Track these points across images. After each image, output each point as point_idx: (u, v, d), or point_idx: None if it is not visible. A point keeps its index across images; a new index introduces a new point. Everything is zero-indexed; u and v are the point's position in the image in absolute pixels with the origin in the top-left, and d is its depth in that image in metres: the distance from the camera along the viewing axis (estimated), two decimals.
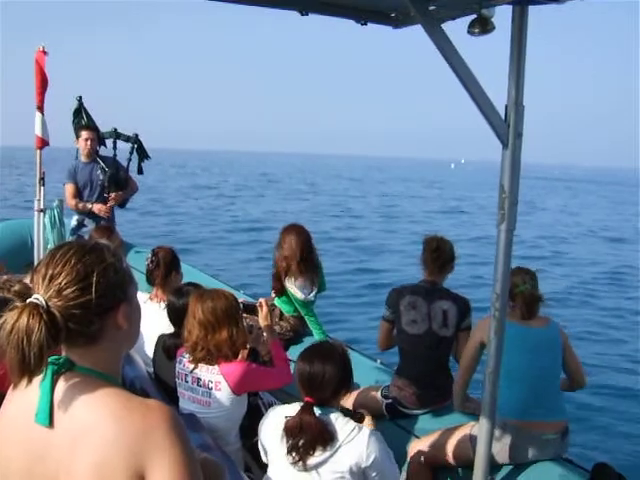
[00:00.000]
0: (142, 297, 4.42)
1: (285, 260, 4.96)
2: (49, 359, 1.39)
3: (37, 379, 1.41)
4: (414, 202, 38.88)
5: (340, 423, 2.72)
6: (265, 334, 3.89)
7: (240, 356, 3.30)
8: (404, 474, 3.63)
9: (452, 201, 40.77)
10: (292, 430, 2.69)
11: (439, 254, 4.15)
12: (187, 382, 3.30)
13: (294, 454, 2.67)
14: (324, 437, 2.65)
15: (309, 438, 2.65)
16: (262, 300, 3.73)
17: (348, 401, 4.12)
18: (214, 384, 3.20)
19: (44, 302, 1.38)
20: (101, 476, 1.34)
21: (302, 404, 2.75)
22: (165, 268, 4.40)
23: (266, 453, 2.87)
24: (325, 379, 2.72)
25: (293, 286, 4.91)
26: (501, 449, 3.27)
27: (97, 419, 1.37)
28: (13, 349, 1.32)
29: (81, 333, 1.42)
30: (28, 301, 1.38)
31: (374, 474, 2.69)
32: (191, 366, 3.27)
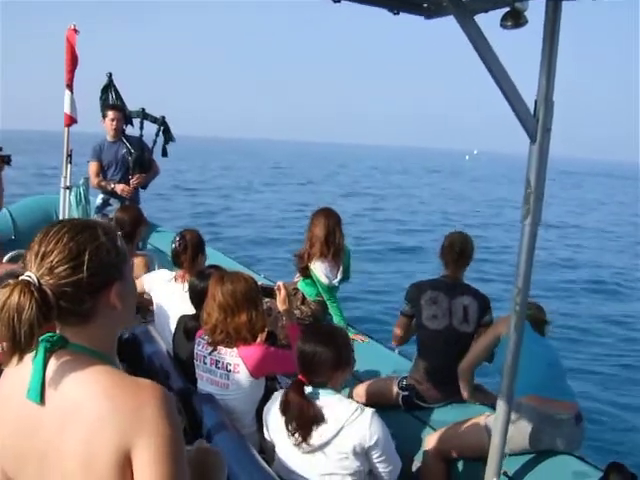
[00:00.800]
0: (167, 275, 4.47)
1: (310, 241, 5.02)
2: (43, 336, 1.38)
3: (30, 356, 1.40)
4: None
5: (343, 404, 2.78)
6: (284, 318, 3.93)
7: (259, 339, 3.33)
8: (418, 464, 3.65)
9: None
10: (282, 407, 2.81)
11: (464, 257, 4.17)
12: (205, 364, 3.33)
13: (297, 435, 2.75)
14: (309, 415, 2.73)
15: (296, 416, 2.74)
16: (280, 283, 3.78)
17: (363, 390, 4.15)
18: (232, 366, 3.23)
19: (36, 280, 1.38)
20: (89, 454, 1.34)
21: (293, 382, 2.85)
22: (192, 250, 4.43)
23: (268, 431, 2.97)
24: (316, 359, 2.79)
25: (318, 269, 4.94)
26: (516, 432, 3.27)
27: (88, 396, 1.38)
28: (4, 326, 1.33)
29: (73, 311, 1.43)
30: (20, 278, 1.38)
31: (377, 454, 2.75)
32: (210, 348, 3.30)
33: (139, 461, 1.34)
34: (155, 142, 7.40)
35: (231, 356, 3.24)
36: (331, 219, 5.04)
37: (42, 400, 1.39)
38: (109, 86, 7.38)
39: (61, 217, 6.87)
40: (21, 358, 1.38)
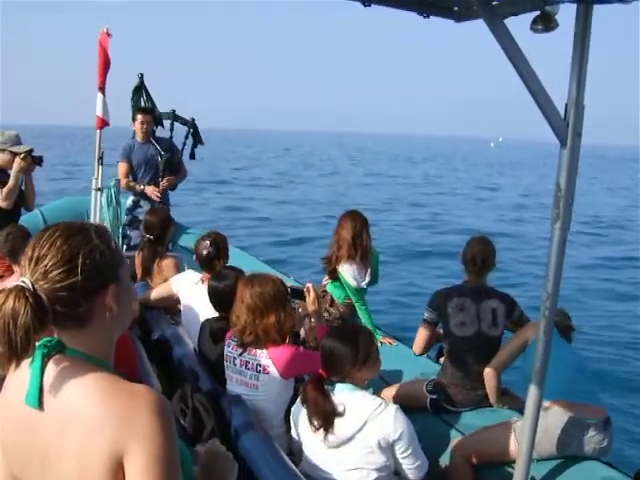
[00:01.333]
0: (194, 277, 4.50)
1: (337, 244, 5.03)
2: (40, 341, 1.39)
3: (27, 362, 1.40)
4: None
5: (366, 400, 2.83)
6: (313, 319, 3.95)
7: (287, 340, 3.36)
8: (444, 466, 3.64)
9: None
10: (301, 400, 2.91)
11: (487, 267, 4.17)
12: (235, 365, 3.36)
13: (321, 430, 2.81)
14: (325, 409, 2.79)
15: (313, 409, 2.82)
16: (309, 285, 3.79)
17: (391, 392, 4.16)
18: (262, 367, 3.25)
19: (30, 285, 1.38)
20: (84, 457, 1.35)
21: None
22: (224, 254, 4.46)
23: (297, 430, 3.04)
24: (335, 355, 2.87)
25: (346, 272, 4.95)
26: (544, 436, 3.25)
27: (84, 402, 1.38)
28: (0, 333, 1.33)
29: (69, 315, 1.43)
30: (14, 284, 1.38)
31: (402, 449, 2.79)
32: (240, 350, 3.33)
33: (131, 466, 1.34)
34: (185, 144, 7.46)
35: (261, 357, 3.27)
36: (358, 221, 5.04)
37: (40, 405, 1.40)
38: (140, 87, 7.47)
39: (92, 219, 6.96)
40: (18, 364, 1.37)
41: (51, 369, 1.42)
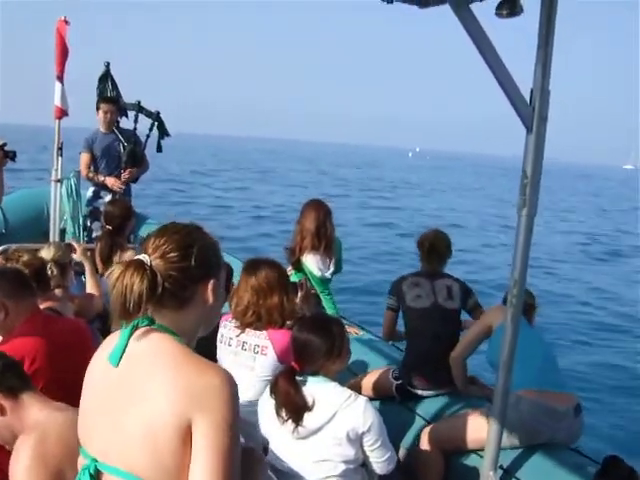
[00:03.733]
0: None
1: (301, 234, 5.00)
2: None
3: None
4: None
5: (336, 391, 2.80)
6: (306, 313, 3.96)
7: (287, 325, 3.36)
8: (413, 457, 3.63)
9: None
10: (271, 392, 2.85)
11: (435, 252, 4.23)
12: (230, 346, 3.35)
13: (290, 421, 2.77)
14: (295, 402, 2.75)
15: (283, 401, 2.77)
16: (303, 280, 3.78)
17: (359, 383, 4.13)
18: (260, 348, 3.26)
19: (149, 261, 1.61)
20: (153, 422, 1.51)
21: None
22: None
23: (261, 420, 2.99)
24: (309, 347, 2.83)
25: (310, 262, 4.93)
26: (516, 425, 3.25)
27: (161, 368, 1.57)
28: (118, 294, 1.56)
29: (174, 295, 1.64)
30: (136, 258, 1.62)
31: (371, 441, 2.76)
32: (237, 330, 3.33)
33: (198, 434, 1.50)
34: (148, 136, 7.34)
35: (260, 338, 3.28)
36: (321, 211, 5.02)
37: (119, 364, 1.61)
38: (107, 76, 7.33)
39: (52, 210, 6.82)
40: (127, 323, 1.61)
41: (138, 336, 1.63)
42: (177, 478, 1.51)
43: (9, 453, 2.23)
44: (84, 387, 1.72)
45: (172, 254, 1.63)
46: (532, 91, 2.58)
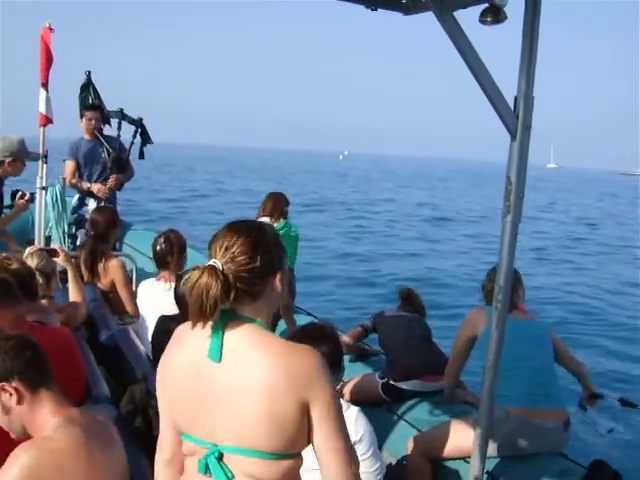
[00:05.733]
0: (149, 281, 4.45)
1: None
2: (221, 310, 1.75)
3: (208, 326, 1.77)
4: None
5: None
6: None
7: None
8: (402, 464, 3.62)
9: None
10: None
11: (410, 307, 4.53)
12: None
13: None
14: None
15: None
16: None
17: (347, 388, 4.13)
18: None
19: (220, 266, 1.75)
20: (274, 396, 1.70)
21: None
22: (178, 251, 4.44)
23: None
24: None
25: None
26: (503, 439, 3.26)
27: (260, 356, 1.74)
28: (194, 300, 1.71)
29: (247, 292, 1.79)
30: (208, 264, 1.75)
31: (363, 450, 2.75)
32: None
33: (316, 411, 1.74)
34: (132, 143, 7.32)
35: None
36: (278, 202, 5.45)
37: (220, 359, 1.76)
38: (88, 85, 7.33)
39: (37, 217, 6.74)
40: (204, 325, 1.75)
41: (230, 330, 1.79)
42: (295, 445, 1.76)
43: (12, 442, 2.25)
44: (171, 383, 1.87)
45: (241, 257, 1.77)
46: (516, 99, 2.59)
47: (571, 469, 3.23)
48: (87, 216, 6.75)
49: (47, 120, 6.68)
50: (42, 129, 6.67)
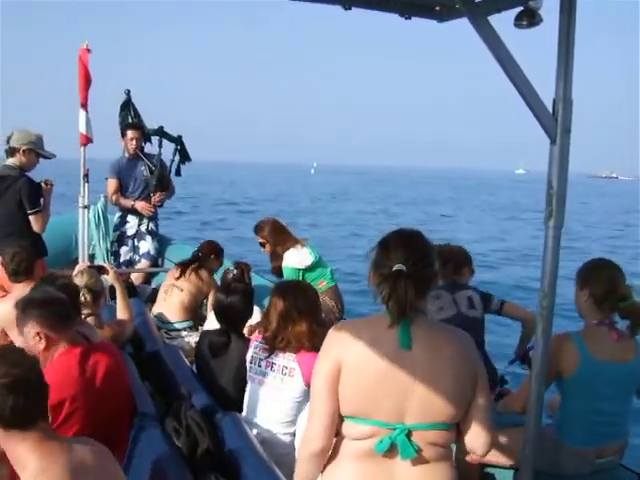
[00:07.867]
0: None
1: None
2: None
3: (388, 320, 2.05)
4: None
5: None
6: None
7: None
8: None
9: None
10: None
11: (447, 264, 4.26)
12: (260, 367, 3.37)
13: None
14: None
15: None
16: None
17: None
18: (288, 370, 3.26)
19: (405, 271, 2.01)
20: (460, 371, 2.09)
21: None
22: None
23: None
24: None
25: (287, 257, 5.31)
26: (555, 468, 3.12)
27: (445, 342, 2.12)
28: (396, 302, 1.99)
29: (421, 291, 2.08)
30: (393, 270, 2.02)
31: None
32: (267, 352, 3.34)
33: (481, 383, 2.14)
34: (173, 161, 7.35)
35: (289, 360, 3.28)
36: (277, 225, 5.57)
37: (410, 347, 2.05)
38: (128, 103, 7.39)
39: (80, 236, 6.85)
40: (399, 321, 2.03)
41: (415, 322, 2.08)
42: (466, 404, 2.12)
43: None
44: (354, 376, 2.08)
45: (420, 263, 2.07)
46: (554, 101, 2.55)
47: (624, 476, 3.13)
48: (129, 233, 6.87)
49: (87, 140, 6.80)
50: (83, 149, 6.79)
